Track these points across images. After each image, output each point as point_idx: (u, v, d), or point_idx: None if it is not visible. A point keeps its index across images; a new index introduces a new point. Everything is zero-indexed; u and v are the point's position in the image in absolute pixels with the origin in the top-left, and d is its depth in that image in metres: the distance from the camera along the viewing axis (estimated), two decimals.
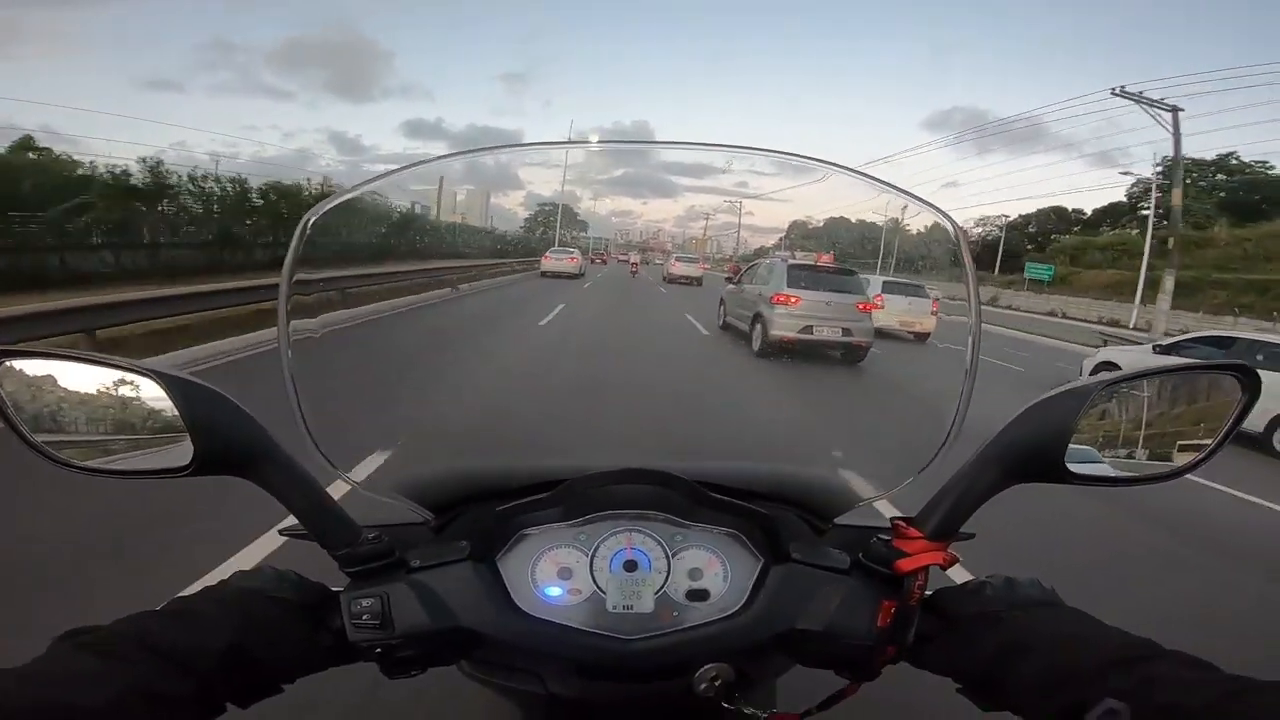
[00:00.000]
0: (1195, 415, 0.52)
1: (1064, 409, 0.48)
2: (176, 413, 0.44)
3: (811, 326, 3.49)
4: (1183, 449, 0.52)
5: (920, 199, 0.57)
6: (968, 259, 0.54)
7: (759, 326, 4.10)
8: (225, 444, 0.45)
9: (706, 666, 0.51)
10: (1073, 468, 0.49)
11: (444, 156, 0.65)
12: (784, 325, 3.94)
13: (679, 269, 12.79)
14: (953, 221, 0.55)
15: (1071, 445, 0.48)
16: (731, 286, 6.67)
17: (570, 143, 0.73)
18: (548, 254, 8.41)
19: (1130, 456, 0.52)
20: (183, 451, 0.45)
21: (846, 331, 3.43)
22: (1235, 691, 0.34)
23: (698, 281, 12.26)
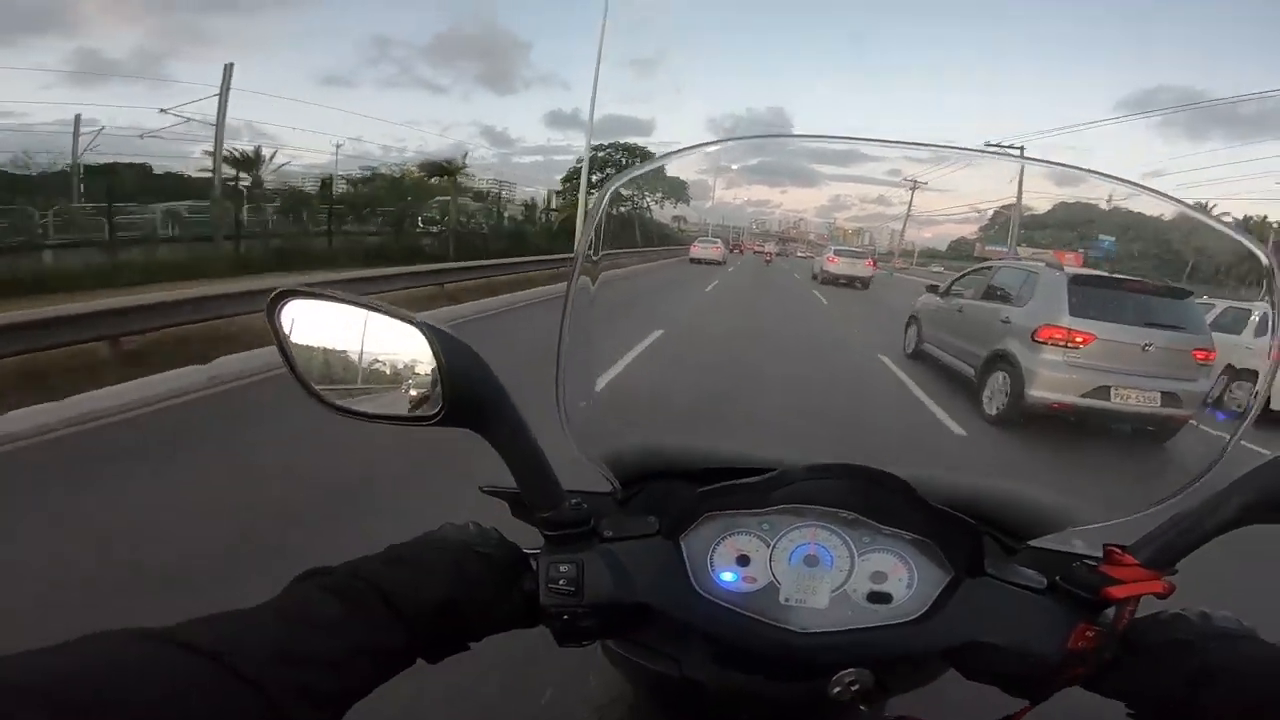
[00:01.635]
0: None
1: None
2: (433, 363, 0.47)
3: (1110, 388, 2.29)
4: None
5: (1208, 217, 0.55)
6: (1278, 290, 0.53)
7: (1000, 375, 2.98)
8: (471, 398, 0.48)
9: (846, 670, 0.52)
10: None
11: (723, 141, 0.68)
12: (1056, 383, 2.65)
13: (839, 265, 10.84)
14: (1263, 249, 0.52)
15: None
16: (933, 299, 5.43)
17: (816, 136, 0.65)
18: (696, 243, 9.25)
19: None
20: (432, 401, 0.48)
21: (1170, 399, 2.32)
22: None
23: (864, 284, 10.79)
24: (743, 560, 0.56)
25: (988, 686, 0.54)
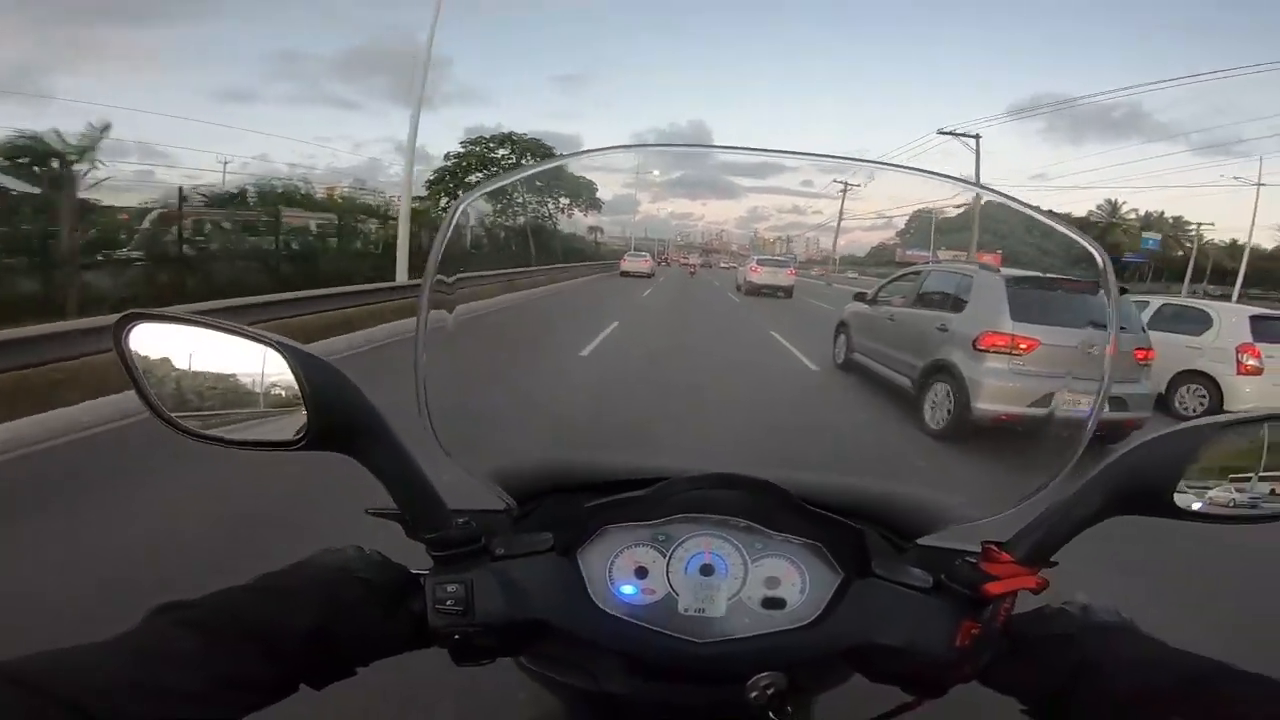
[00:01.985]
0: None
1: (1179, 445, 0.49)
2: (295, 385, 0.47)
3: (1054, 395, 2.38)
4: None
5: (1060, 223, 0.59)
6: (1113, 286, 0.57)
7: (942, 388, 3.01)
8: (339, 420, 0.48)
9: (760, 675, 0.53)
10: (1181, 504, 0.50)
11: (576, 154, 0.71)
12: (1003, 394, 2.63)
13: (762, 275, 10.97)
14: (1100, 251, 0.57)
15: (1182, 482, 0.49)
16: (862, 307, 5.48)
17: (698, 145, 0.73)
18: (625, 257, 9.85)
19: (1242, 495, 0.52)
20: (296, 425, 0.48)
21: (1117, 403, 2.42)
22: None
23: (787, 293, 11.09)
24: (641, 572, 0.57)
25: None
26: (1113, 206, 49.77)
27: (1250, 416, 0.52)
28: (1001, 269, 4.39)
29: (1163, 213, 50.68)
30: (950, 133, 27.77)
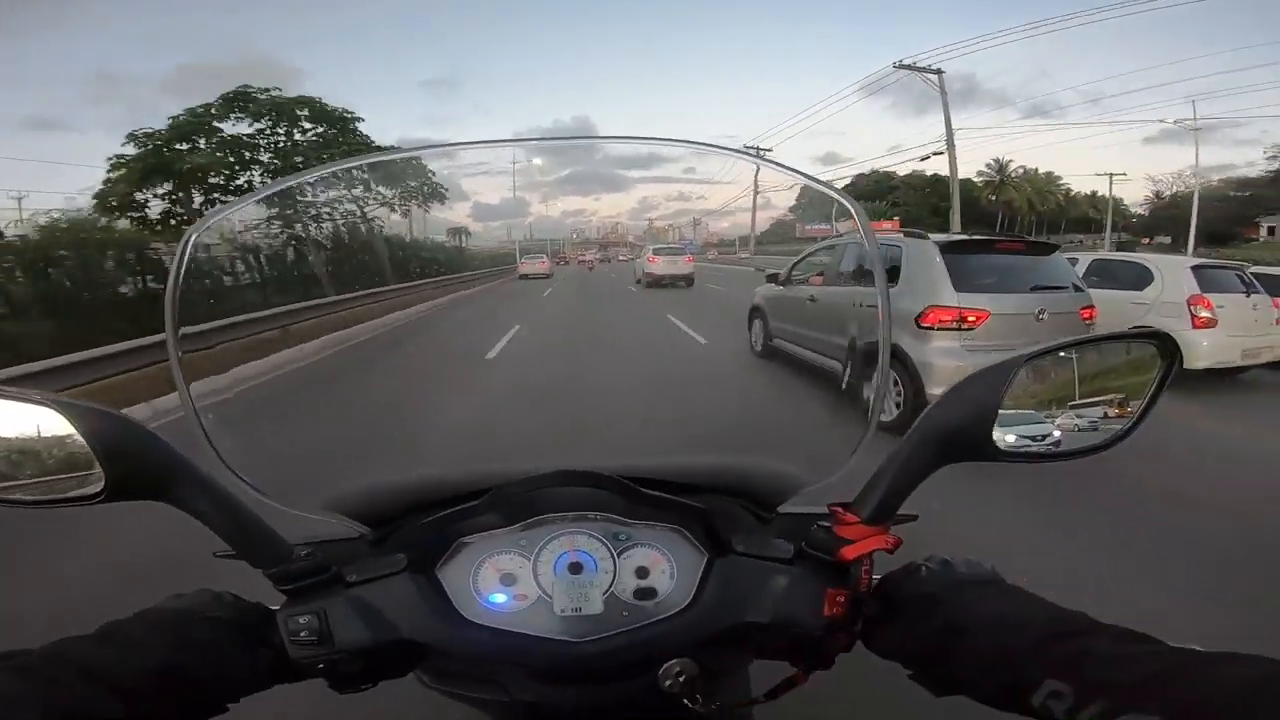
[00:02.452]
0: (1117, 383, 0.57)
1: (987, 386, 0.52)
2: (82, 440, 0.47)
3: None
4: (1108, 419, 0.56)
5: (829, 187, 0.65)
6: (868, 230, 0.61)
7: (888, 371, 2.88)
8: (136, 468, 0.48)
9: (670, 663, 0.55)
10: (1001, 445, 0.53)
11: (349, 162, 0.66)
12: (958, 375, 2.72)
13: (660, 266, 10.20)
14: (852, 202, 0.62)
15: (998, 422, 0.52)
16: (775, 289, 5.10)
17: (497, 142, 0.72)
18: (523, 260, 10.30)
19: (1057, 428, 0.56)
20: (94, 478, 0.47)
21: None
22: (1176, 664, 0.38)
23: (687, 282, 10.37)
24: (508, 579, 0.58)
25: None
26: (1000, 165, 54.61)
27: (1052, 345, 0.55)
28: (930, 235, 4.22)
29: (1038, 169, 56.44)
30: (909, 67, 27.46)
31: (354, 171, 0.67)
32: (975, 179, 54.72)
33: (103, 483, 0.47)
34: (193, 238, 0.57)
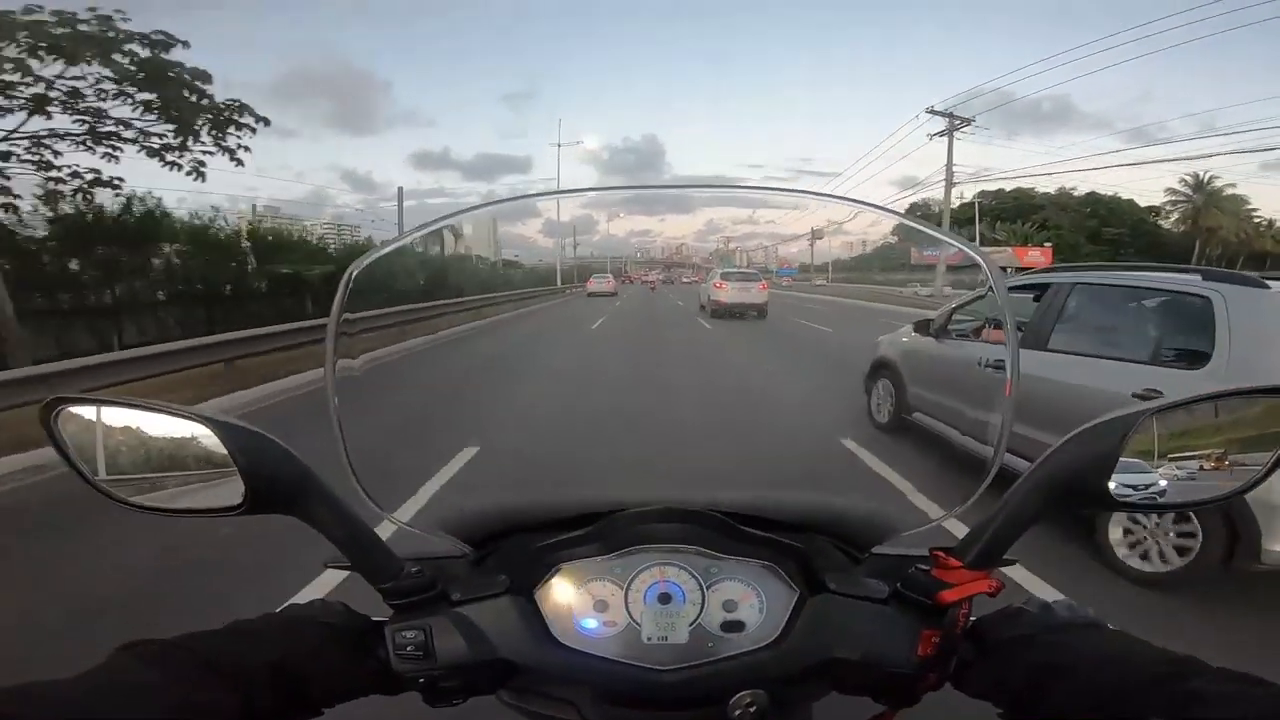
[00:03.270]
0: (1243, 437, 0.58)
1: (1109, 435, 0.54)
2: (227, 455, 0.53)
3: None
4: (1233, 471, 0.58)
5: (955, 241, 0.69)
6: (1002, 290, 0.64)
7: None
8: (273, 483, 0.54)
9: (741, 693, 0.58)
10: (1117, 494, 0.55)
11: (485, 206, 0.79)
12: None
13: (729, 293, 9.62)
14: (986, 259, 0.65)
15: (1116, 472, 0.54)
16: (914, 339, 4.64)
17: (602, 188, 0.75)
18: (591, 279, 11.64)
19: (1178, 480, 0.58)
20: (234, 491, 0.54)
21: None
22: None
23: (760, 312, 9.71)
24: (601, 606, 0.63)
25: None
26: (1199, 182, 47.00)
27: (1181, 400, 0.57)
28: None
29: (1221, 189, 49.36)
30: (938, 112, 29.71)
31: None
32: (1145, 201, 51.00)
33: (242, 496, 0.53)
34: (354, 272, 0.64)
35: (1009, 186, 55.28)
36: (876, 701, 0.62)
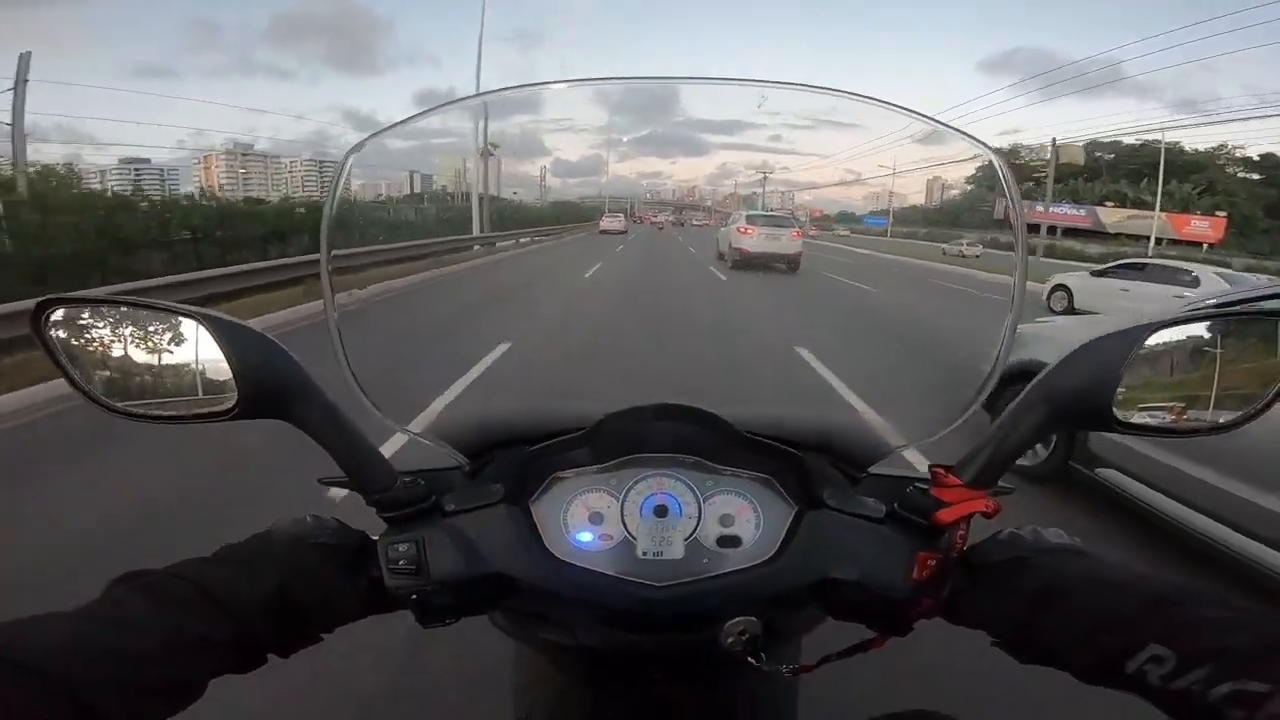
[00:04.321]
0: (1245, 361, 0.61)
1: (1112, 352, 0.56)
2: (221, 355, 0.55)
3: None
4: (1233, 398, 0.60)
5: (966, 133, 0.68)
6: (1010, 181, 0.65)
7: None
8: (268, 386, 0.56)
9: (734, 620, 0.61)
10: (1120, 415, 0.57)
11: (476, 95, 0.83)
12: None
13: (758, 240, 8.73)
14: (998, 154, 0.65)
15: (1120, 391, 0.56)
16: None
17: (603, 79, 0.75)
18: (603, 218, 13.11)
19: (1178, 403, 0.61)
20: (227, 394, 0.56)
21: None
22: None
23: (792, 264, 8.75)
24: (596, 518, 0.66)
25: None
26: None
27: (1184, 315, 0.59)
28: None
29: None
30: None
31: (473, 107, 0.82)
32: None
33: (235, 399, 0.55)
34: (349, 162, 0.67)
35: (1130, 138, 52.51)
36: (870, 628, 0.64)
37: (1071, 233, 53.06)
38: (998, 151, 0.66)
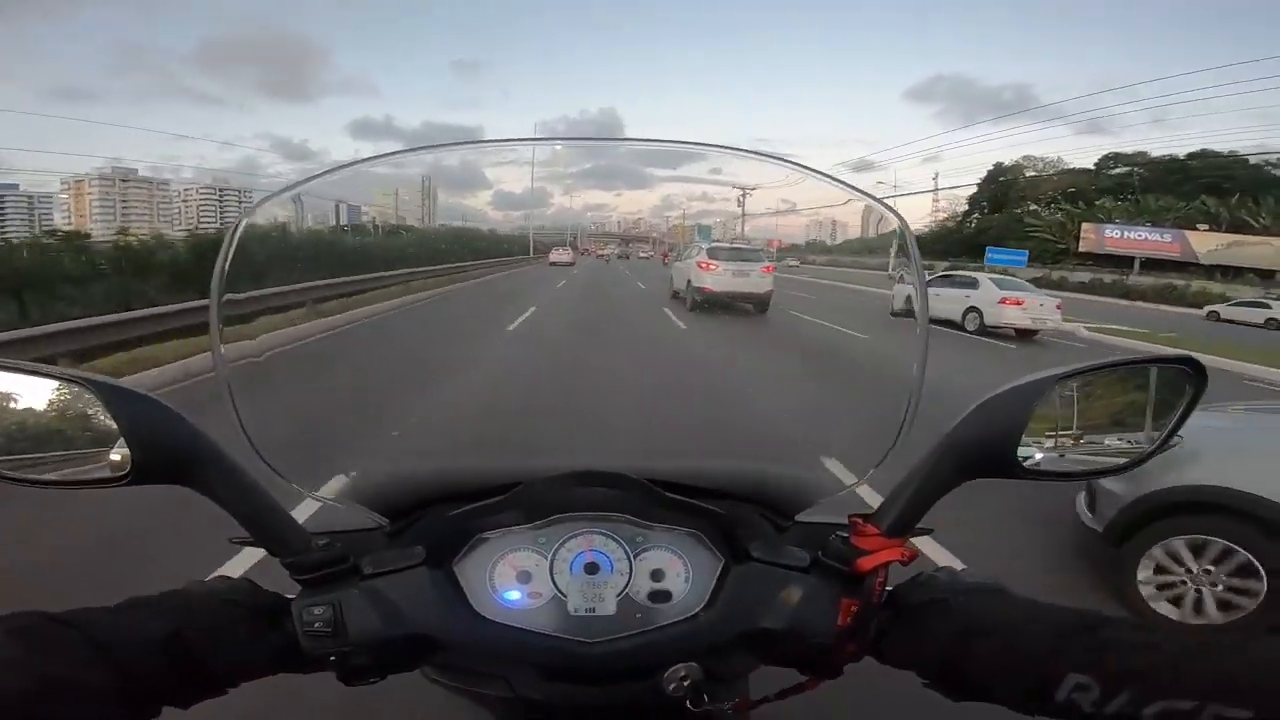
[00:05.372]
0: (1143, 406, 0.71)
1: (1016, 404, 0.63)
2: (111, 421, 0.57)
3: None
4: (1134, 440, 0.71)
5: (877, 199, 0.82)
6: (912, 246, 0.75)
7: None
8: (163, 451, 0.59)
9: (675, 667, 0.66)
10: (1025, 463, 0.65)
11: (388, 154, 0.85)
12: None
13: (725, 278, 8.93)
14: (900, 219, 0.78)
15: (1024, 440, 0.63)
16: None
17: (533, 140, 0.96)
18: (554, 250, 14.79)
19: (1081, 449, 0.70)
20: (120, 460, 0.59)
21: None
22: (1197, 645, 0.49)
23: (760, 305, 8.84)
24: (524, 577, 0.70)
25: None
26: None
27: (1084, 367, 0.66)
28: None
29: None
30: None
31: (398, 160, 0.83)
32: None
33: (129, 466, 0.57)
34: (243, 222, 0.69)
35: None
36: (801, 672, 0.70)
37: (1152, 265, 48.34)
38: (902, 219, 0.77)
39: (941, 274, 16.65)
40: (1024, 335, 13.62)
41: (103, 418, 0.58)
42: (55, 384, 0.60)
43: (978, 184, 62.06)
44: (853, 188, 0.79)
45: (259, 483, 0.62)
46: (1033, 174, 61.13)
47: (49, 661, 0.49)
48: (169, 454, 0.59)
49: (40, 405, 0.61)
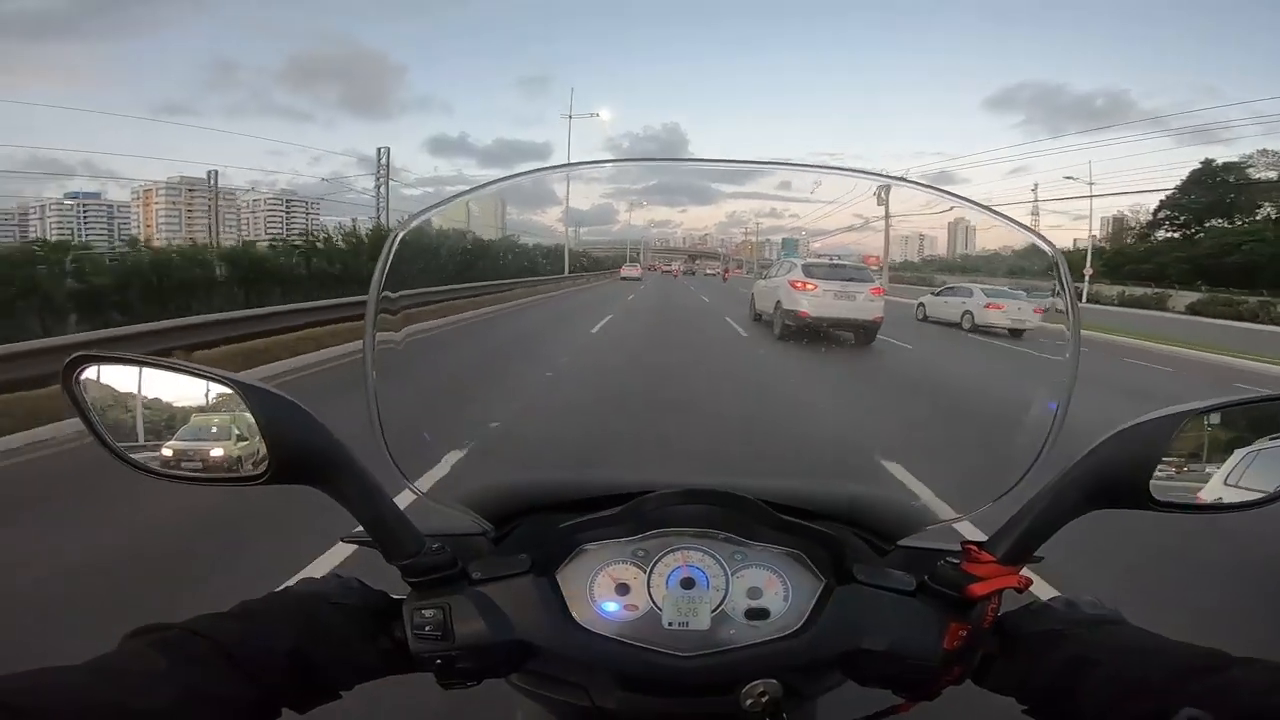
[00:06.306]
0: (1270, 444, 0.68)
1: (1154, 434, 0.63)
2: (253, 422, 0.62)
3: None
4: (1270, 477, 0.69)
5: (1023, 225, 0.81)
6: (1067, 279, 0.76)
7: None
8: (299, 453, 0.63)
9: (755, 682, 0.68)
10: (1158, 495, 0.64)
11: (523, 174, 0.94)
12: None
13: (826, 301, 7.56)
14: (1049, 243, 0.77)
15: (1158, 471, 0.63)
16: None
17: (625, 160, 0.81)
18: (624, 266, 16.35)
19: (1219, 483, 0.69)
20: (258, 459, 0.63)
21: None
22: None
23: (867, 335, 7.46)
24: (622, 589, 0.73)
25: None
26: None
27: (1223, 402, 0.66)
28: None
29: None
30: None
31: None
32: None
33: (267, 464, 0.61)
34: (398, 236, 0.75)
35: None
36: (896, 694, 0.71)
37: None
38: (1055, 248, 0.77)
39: (945, 287, 18.47)
40: (1014, 334, 13.79)
41: (246, 418, 0.63)
42: (203, 383, 0.64)
43: (1175, 189, 54.23)
44: (998, 212, 0.82)
45: (382, 487, 0.66)
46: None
47: (190, 674, 0.52)
48: (305, 456, 0.63)
49: (186, 404, 0.66)
